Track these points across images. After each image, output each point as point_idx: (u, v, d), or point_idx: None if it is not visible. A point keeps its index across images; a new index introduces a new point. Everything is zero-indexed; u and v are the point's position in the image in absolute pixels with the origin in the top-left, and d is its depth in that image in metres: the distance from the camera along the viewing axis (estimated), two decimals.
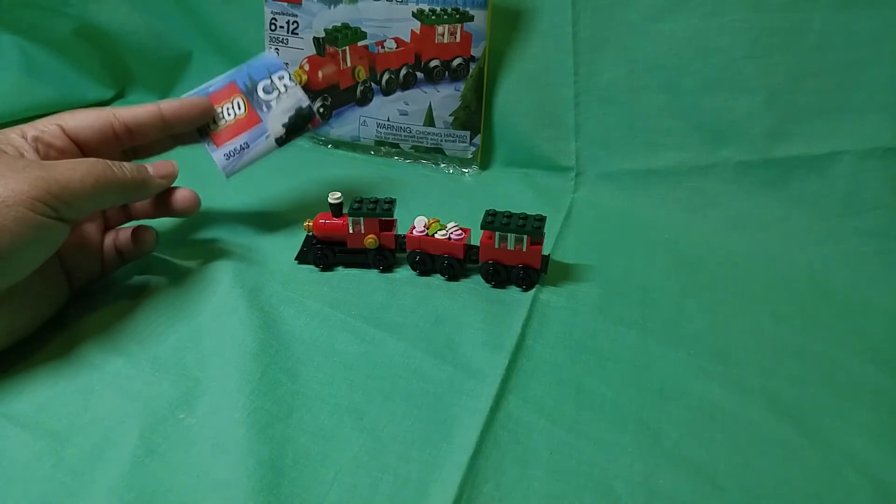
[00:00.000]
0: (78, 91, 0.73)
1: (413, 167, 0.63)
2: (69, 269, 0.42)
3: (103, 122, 0.43)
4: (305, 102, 0.47)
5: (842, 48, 0.52)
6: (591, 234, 0.53)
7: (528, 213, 0.45)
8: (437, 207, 0.50)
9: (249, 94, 0.47)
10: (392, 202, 0.46)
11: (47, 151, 0.40)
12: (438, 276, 0.47)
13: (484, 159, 0.63)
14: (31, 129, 0.40)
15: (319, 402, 0.37)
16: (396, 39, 0.60)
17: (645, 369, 0.40)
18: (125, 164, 0.41)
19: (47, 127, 0.41)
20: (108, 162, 0.39)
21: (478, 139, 0.62)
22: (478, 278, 0.47)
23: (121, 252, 0.45)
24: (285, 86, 0.47)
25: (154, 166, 0.43)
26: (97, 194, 0.38)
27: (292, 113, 0.47)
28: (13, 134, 0.39)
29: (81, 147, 0.42)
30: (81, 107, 0.60)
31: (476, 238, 0.46)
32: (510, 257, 0.45)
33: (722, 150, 0.56)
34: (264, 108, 0.47)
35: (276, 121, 0.47)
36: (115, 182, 0.39)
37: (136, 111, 0.44)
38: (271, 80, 0.47)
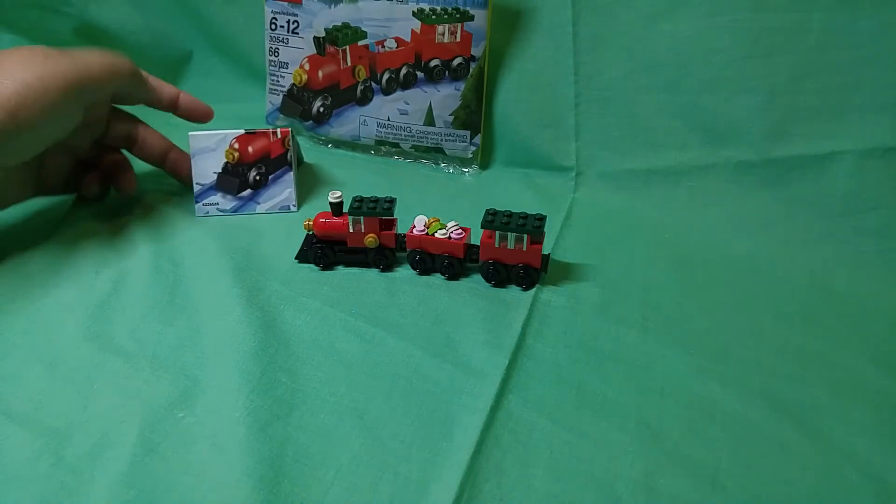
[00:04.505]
0: None
1: (413, 167, 0.63)
2: (43, 165, 0.49)
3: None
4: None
5: (842, 48, 0.52)
6: (592, 233, 0.53)
7: (529, 212, 0.45)
8: (437, 207, 0.50)
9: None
10: (392, 201, 0.46)
11: None
12: (438, 275, 0.47)
13: (484, 159, 0.63)
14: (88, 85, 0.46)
15: (319, 401, 0.37)
16: (397, 39, 0.60)
17: (645, 369, 0.40)
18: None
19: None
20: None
21: (478, 139, 0.62)
22: (478, 277, 0.47)
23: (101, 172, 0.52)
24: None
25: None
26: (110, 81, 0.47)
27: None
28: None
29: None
30: None
31: (476, 237, 0.46)
32: (510, 256, 0.45)
33: (722, 150, 0.55)
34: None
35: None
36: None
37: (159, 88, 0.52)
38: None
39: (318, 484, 0.33)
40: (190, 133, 0.52)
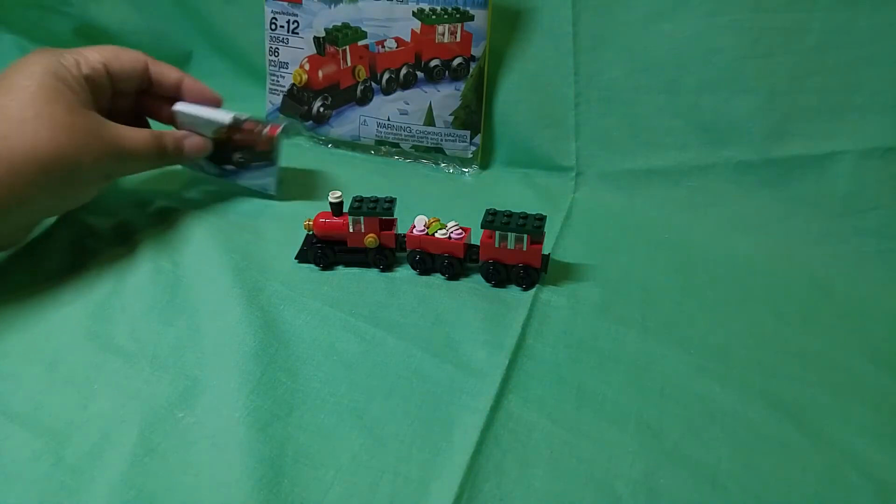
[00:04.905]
0: None
1: (413, 167, 0.63)
2: None
3: (140, 75, 0.49)
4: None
5: (842, 48, 0.52)
6: (592, 233, 0.53)
7: (529, 212, 0.45)
8: (437, 207, 0.50)
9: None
10: (392, 201, 0.46)
11: (92, 88, 0.45)
12: (438, 275, 0.47)
13: (484, 159, 0.63)
14: (85, 64, 0.45)
15: (319, 401, 0.37)
16: (397, 39, 0.60)
17: (645, 369, 0.40)
18: (169, 139, 0.49)
19: (97, 66, 0.46)
20: (161, 138, 0.48)
21: (478, 139, 0.62)
22: (478, 277, 0.47)
23: None
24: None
25: (189, 143, 0.51)
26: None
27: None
28: (70, 67, 0.44)
29: (113, 84, 0.48)
30: None
31: (476, 237, 0.46)
32: (510, 256, 0.45)
33: (722, 150, 0.55)
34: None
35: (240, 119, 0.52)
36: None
37: (163, 71, 0.50)
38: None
39: (318, 484, 0.33)
40: (176, 107, 0.51)
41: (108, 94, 0.48)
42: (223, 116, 0.51)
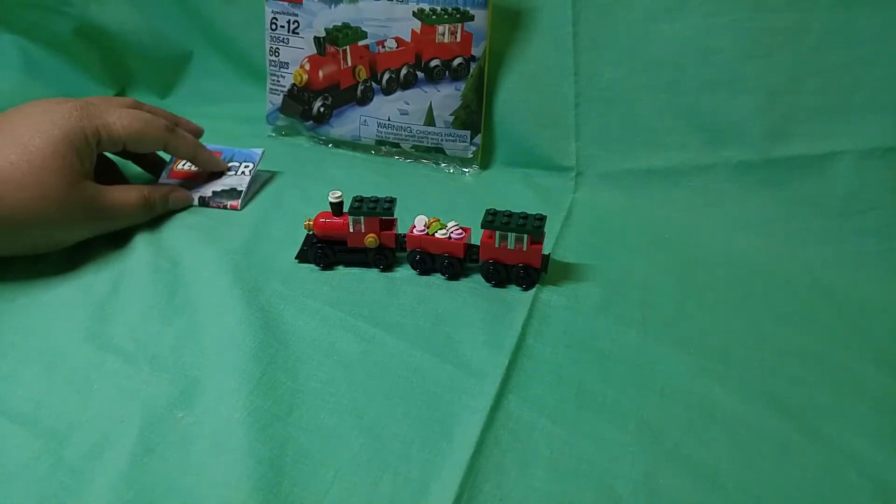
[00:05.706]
0: (78, 91, 0.72)
1: (413, 167, 0.63)
2: None
3: (151, 150, 0.52)
4: (241, 187, 0.55)
5: (842, 48, 0.52)
6: (592, 233, 0.53)
7: (529, 212, 0.45)
8: (437, 207, 0.50)
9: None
10: (392, 201, 0.46)
11: (99, 154, 0.48)
12: (439, 275, 0.47)
13: (484, 159, 0.63)
14: (107, 139, 0.47)
15: (319, 401, 0.37)
16: (397, 39, 0.60)
17: (645, 369, 0.40)
18: (157, 196, 0.51)
19: (116, 142, 0.47)
20: (150, 198, 0.50)
21: (478, 139, 0.62)
22: (478, 277, 0.47)
23: None
24: (243, 171, 0.56)
25: (174, 197, 0.53)
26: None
27: (226, 188, 0.55)
28: (90, 137, 0.45)
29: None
30: None
31: (476, 237, 0.46)
32: (510, 256, 0.45)
33: (722, 150, 0.55)
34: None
35: (210, 187, 0.55)
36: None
37: (179, 148, 0.52)
38: (239, 164, 0.57)
39: (318, 484, 0.33)
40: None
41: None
42: (237, 181, 0.55)
